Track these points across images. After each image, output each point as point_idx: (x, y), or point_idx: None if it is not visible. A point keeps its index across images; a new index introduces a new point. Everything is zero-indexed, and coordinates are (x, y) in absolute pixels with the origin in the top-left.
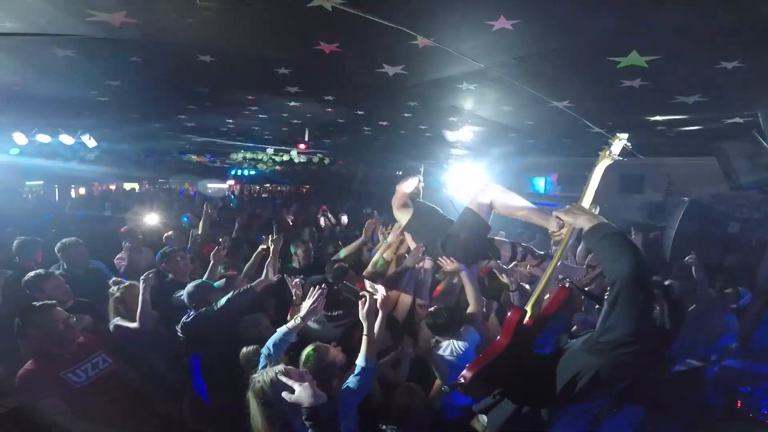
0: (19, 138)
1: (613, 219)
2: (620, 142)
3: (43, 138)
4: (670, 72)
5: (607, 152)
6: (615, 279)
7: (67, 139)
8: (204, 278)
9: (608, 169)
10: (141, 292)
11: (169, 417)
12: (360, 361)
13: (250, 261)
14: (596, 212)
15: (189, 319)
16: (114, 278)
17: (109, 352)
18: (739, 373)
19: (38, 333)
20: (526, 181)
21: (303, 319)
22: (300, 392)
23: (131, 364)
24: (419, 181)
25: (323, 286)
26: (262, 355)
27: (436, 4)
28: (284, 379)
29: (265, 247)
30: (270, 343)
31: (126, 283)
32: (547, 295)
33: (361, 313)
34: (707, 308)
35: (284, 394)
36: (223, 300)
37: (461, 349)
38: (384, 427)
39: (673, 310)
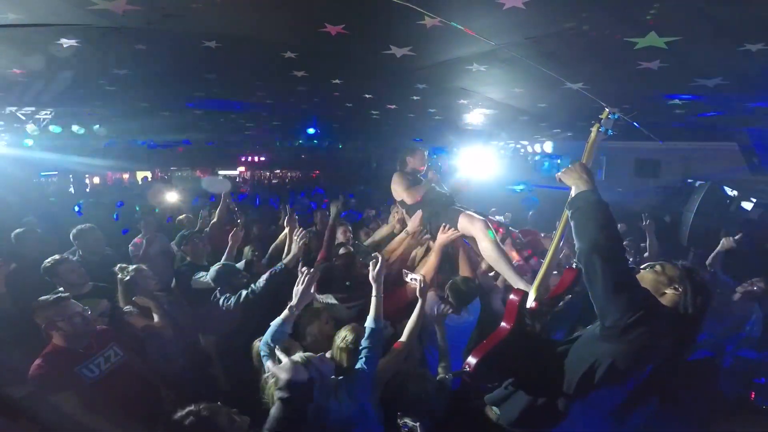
0: (31, 129)
1: (629, 204)
2: (610, 119)
3: (54, 128)
4: (690, 54)
5: (598, 127)
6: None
7: (78, 129)
8: (223, 260)
9: (624, 153)
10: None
11: (180, 405)
12: (369, 323)
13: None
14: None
15: (230, 301)
16: (120, 264)
17: (120, 343)
18: (754, 364)
19: (53, 328)
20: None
21: (295, 307)
22: (284, 364)
23: (141, 354)
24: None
25: (311, 270)
26: (263, 354)
27: None
28: (279, 353)
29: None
30: (267, 338)
31: (134, 267)
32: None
33: (372, 274)
34: (729, 296)
35: (268, 363)
36: (262, 281)
37: (469, 319)
38: (404, 420)
39: (697, 293)
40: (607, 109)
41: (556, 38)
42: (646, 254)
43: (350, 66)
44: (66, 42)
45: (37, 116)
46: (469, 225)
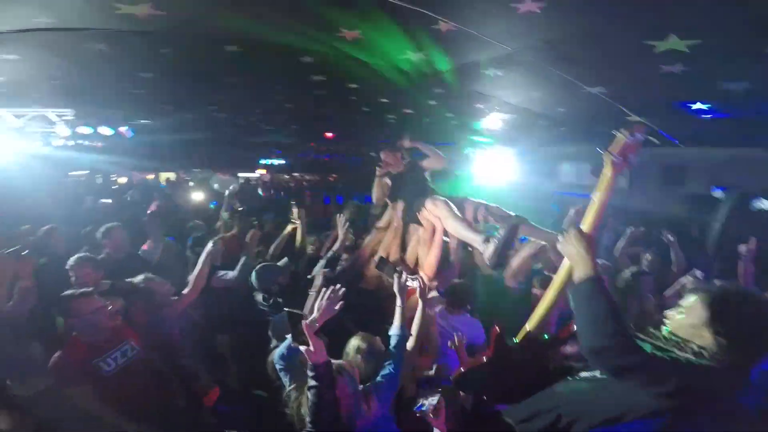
0: (62, 130)
1: (654, 213)
2: (618, 138)
3: (84, 130)
4: (714, 57)
5: (609, 156)
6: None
7: (105, 131)
8: (244, 260)
9: (650, 159)
10: (202, 260)
11: (192, 401)
12: (394, 330)
13: (277, 241)
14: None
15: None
16: (127, 281)
17: (136, 338)
18: None
19: (75, 322)
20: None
21: (317, 322)
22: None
23: (157, 350)
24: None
25: (336, 286)
26: (279, 369)
27: None
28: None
29: (294, 226)
30: (278, 356)
31: (141, 277)
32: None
33: (396, 287)
34: None
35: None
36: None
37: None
38: (421, 401)
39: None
40: (620, 132)
41: (573, 42)
42: (673, 267)
43: (366, 71)
44: (95, 46)
45: (67, 117)
46: (434, 207)
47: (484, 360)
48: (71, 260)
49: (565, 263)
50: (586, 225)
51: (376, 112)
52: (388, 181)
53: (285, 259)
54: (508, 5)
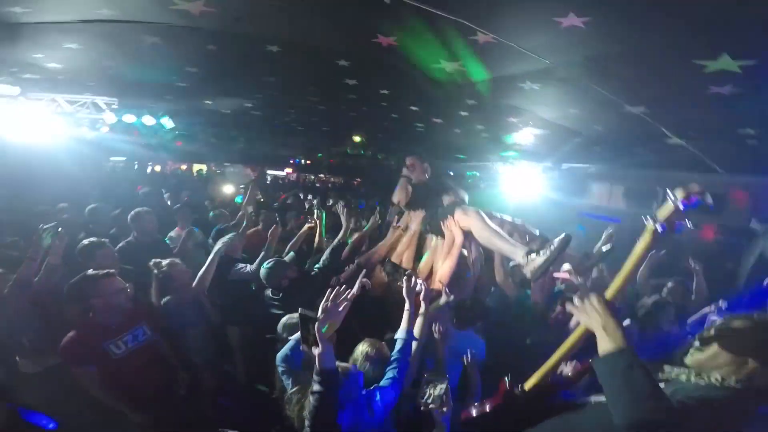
0: (109, 117)
1: (684, 243)
2: (668, 205)
3: (129, 118)
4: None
5: (653, 225)
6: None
7: (149, 120)
8: (263, 256)
9: (684, 184)
10: (211, 258)
11: (193, 389)
12: (400, 334)
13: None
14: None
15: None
16: (154, 260)
17: (150, 323)
18: None
19: (98, 302)
20: (585, 189)
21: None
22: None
23: (167, 337)
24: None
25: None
26: (281, 370)
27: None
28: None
29: (311, 225)
30: (286, 352)
31: (167, 261)
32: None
33: (405, 290)
34: None
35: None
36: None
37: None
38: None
39: None
40: (672, 195)
41: (617, 58)
42: (693, 297)
43: (399, 77)
44: (149, 39)
45: (114, 106)
46: (464, 217)
47: (488, 408)
48: (84, 244)
49: (580, 328)
50: (611, 292)
51: (405, 120)
52: (410, 187)
53: (291, 254)
54: (551, 19)
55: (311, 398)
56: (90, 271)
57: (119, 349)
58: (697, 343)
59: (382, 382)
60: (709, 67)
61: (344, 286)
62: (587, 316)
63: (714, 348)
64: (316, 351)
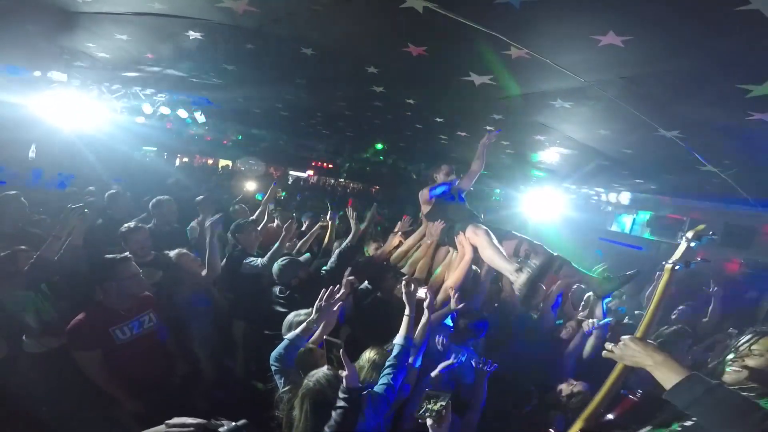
0: (146, 108)
1: (707, 276)
2: (681, 246)
3: (164, 110)
4: None
5: (670, 264)
6: None
7: (182, 113)
8: (274, 251)
9: (712, 215)
10: (208, 238)
11: (190, 378)
12: (398, 340)
13: (306, 237)
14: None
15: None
16: (164, 252)
17: (157, 311)
18: None
19: (111, 285)
20: (610, 217)
21: (315, 323)
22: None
23: (173, 326)
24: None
25: (335, 287)
26: (274, 369)
27: (540, 15)
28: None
29: (324, 224)
30: (274, 357)
31: (176, 251)
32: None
33: (404, 295)
34: None
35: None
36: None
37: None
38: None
39: None
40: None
41: (656, 80)
42: (705, 319)
43: (426, 88)
44: (192, 34)
45: (154, 98)
46: (473, 234)
47: None
48: (124, 227)
49: (618, 367)
50: (642, 329)
51: (429, 131)
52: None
53: (307, 255)
54: (589, 37)
55: (334, 413)
56: (108, 255)
57: (124, 334)
58: (734, 361)
59: (376, 387)
60: (753, 92)
61: (337, 286)
62: (633, 356)
63: (758, 360)
64: (343, 374)
